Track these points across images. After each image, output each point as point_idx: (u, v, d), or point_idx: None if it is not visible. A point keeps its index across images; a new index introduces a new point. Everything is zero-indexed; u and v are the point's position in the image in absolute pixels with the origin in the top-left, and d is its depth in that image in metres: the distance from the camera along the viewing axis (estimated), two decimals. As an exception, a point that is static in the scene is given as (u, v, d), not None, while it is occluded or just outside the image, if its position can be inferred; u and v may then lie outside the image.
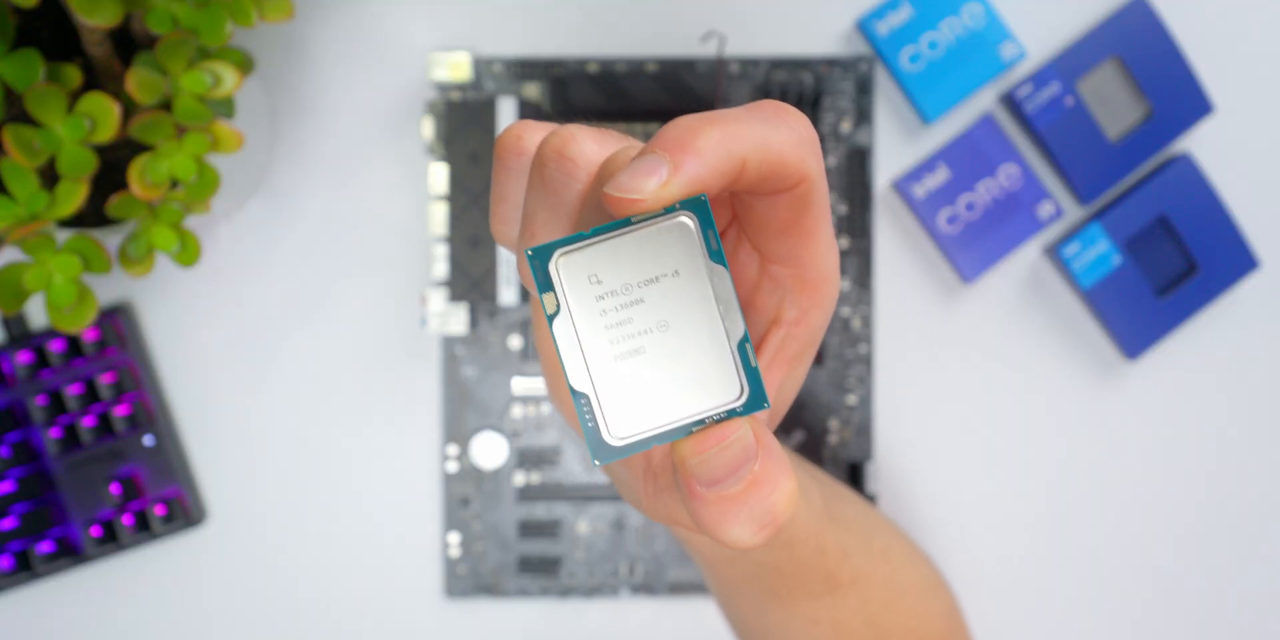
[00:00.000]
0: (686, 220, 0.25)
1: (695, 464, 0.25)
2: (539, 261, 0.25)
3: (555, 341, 0.25)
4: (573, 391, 0.25)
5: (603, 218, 0.26)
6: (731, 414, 0.25)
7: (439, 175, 0.51)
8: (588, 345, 0.25)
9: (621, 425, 0.25)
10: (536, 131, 0.29)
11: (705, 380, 0.25)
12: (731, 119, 0.25)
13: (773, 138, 0.25)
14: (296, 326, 0.55)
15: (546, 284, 0.25)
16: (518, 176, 0.29)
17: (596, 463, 0.25)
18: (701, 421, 0.25)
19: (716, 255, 0.25)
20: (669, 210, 0.25)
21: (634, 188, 0.24)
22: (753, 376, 0.25)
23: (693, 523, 0.27)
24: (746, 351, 0.25)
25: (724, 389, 0.25)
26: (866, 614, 0.43)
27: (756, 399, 0.25)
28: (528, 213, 0.27)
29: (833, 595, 0.41)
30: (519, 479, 0.55)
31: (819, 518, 0.39)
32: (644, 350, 0.25)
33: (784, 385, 0.30)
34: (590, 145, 0.27)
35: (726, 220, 0.29)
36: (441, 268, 0.52)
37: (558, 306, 0.25)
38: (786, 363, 0.29)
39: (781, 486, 0.25)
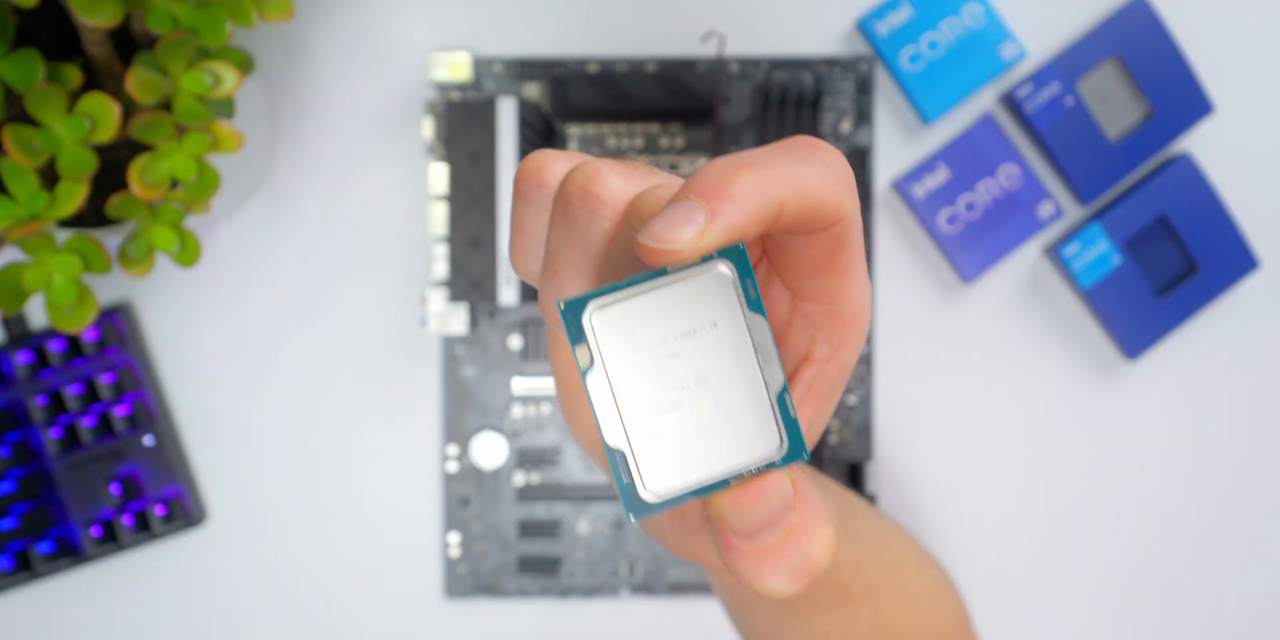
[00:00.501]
0: (725, 270, 0.24)
1: (733, 517, 0.25)
2: (572, 315, 0.24)
3: (589, 396, 0.24)
4: (607, 448, 0.24)
5: (630, 257, 0.25)
6: (769, 466, 0.25)
7: (439, 175, 0.51)
8: (623, 401, 0.24)
9: (658, 481, 0.24)
10: (558, 162, 0.28)
11: (743, 433, 0.24)
12: (766, 162, 0.24)
13: (809, 179, 0.24)
14: (296, 326, 0.55)
15: (579, 336, 0.24)
16: (538, 208, 0.28)
17: (632, 519, 0.24)
18: (739, 475, 0.25)
19: (755, 304, 0.24)
20: (705, 259, 0.24)
21: (669, 238, 0.23)
22: (792, 428, 0.25)
23: (724, 566, 0.27)
24: (786, 403, 0.24)
25: (763, 441, 0.25)
26: (878, 624, 0.43)
27: (796, 451, 0.25)
28: (551, 250, 0.26)
29: (845, 608, 0.41)
30: (519, 479, 0.55)
31: None
32: (681, 404, 0.24)
33: (813, 421, 0.29)
34: (616, 181, 0.26)
35: (756, 256, 0.28)
36: (441, 268, 0.51)
37: (591, 360, 0.24)
38: (817, 400, 0.28)
39: (819, 536, 0.25)
